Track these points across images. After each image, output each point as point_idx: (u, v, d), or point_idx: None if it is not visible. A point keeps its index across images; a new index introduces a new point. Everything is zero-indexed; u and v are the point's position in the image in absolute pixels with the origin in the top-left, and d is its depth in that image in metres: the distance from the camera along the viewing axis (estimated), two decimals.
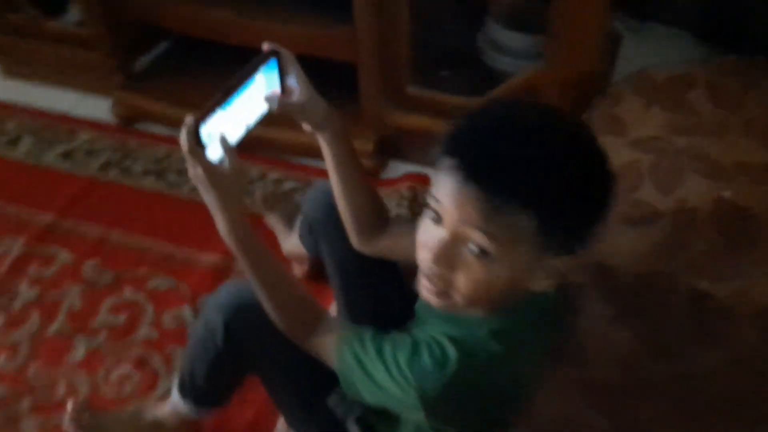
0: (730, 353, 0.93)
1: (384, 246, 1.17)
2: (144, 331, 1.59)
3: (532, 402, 0.93)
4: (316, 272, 1.57)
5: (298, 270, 1.63)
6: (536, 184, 0.78)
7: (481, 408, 0.94)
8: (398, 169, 1.90)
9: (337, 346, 0.98)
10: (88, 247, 1.77)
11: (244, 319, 1.08)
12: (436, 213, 0.84)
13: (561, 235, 0.81)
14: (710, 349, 0.94)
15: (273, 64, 1.02)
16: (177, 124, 0.94)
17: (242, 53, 1.04)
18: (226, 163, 0.97)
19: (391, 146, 1.90)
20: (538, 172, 0.78)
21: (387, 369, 0.90)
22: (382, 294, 1.28)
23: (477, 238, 0.80)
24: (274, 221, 1.68)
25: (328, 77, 1.86)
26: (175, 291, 1.67)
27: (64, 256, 1.76)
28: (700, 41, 2.07)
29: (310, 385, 1.13)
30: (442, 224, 0.84)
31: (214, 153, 0.96)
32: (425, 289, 0.89)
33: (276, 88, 1.04)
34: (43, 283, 1.69)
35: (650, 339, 0.97)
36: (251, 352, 1.10)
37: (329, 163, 1.11)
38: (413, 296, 1.27)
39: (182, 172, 1.94)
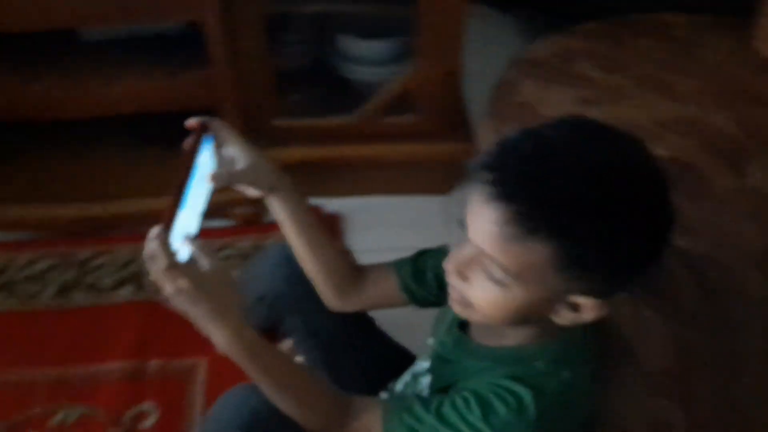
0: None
1: (367, 297, 1.09)
2: None
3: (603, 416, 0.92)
4: None
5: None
6: (563, 215, 0.72)
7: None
8: (248, 189, 1.76)
9: (384, 426, 0.90)
10: None
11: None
12: (465, 226, 0.80)
13: (589, 276, 0.76)
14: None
15: (207, 139, 0.92)
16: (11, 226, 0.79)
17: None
18: (204, 264, 0.85)
19: None
20: (567, 202, 0.72)
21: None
22: (369, 353, 1.21)
23: (491, 262, 0.76)
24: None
25: (180, 131, 1.74)
26: (89, 419, 1.40)
27: None
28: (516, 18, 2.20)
29: None
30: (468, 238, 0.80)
31: (182, 257, 0.85)
32: (451, 297, 0.86)
33: (215, 164, 0.94)
34: None
35: (675, 312, 1.02)
36: None
37: (288, 224, 1.02)
38: (399, 348, 1.24)
39: (31, 279, 1.64)
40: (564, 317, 0.80)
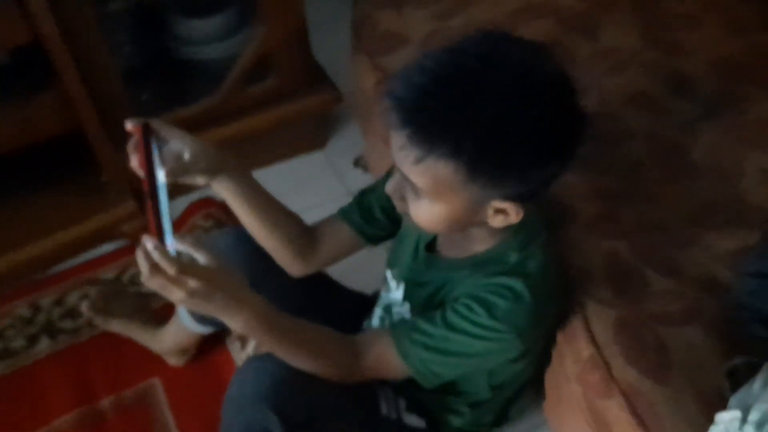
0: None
1: (325, 253, 1.12)
2: None
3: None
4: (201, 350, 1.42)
5: (179, 360, 1.42)
6: (453, 133, 0.77)
7: (557, 307, 1.01)
8: (174, 208, 1.71)
9: (397, 351, 0.95)
10: None
11: (291, 396, 0.93)
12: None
13: (500, 183, 0.82)
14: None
15: (150, 138, 0.91)
16: None
17: None
18: (201, 259, 0.86)
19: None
20: (456, 121, 0.77)
21: (470, 335, 0.91)
22: (336, 305, 1.24)
23: (409, 177, 0.83)
24: (121, 325, 1.40)
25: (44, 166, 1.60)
26: None
27: None
28: None
29: (364, 411, 1.05)
30: None
31: None
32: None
33: (162, 160, 0.93)
34: None
35: (587, 168, 1.15)
36: (311, 423, 0.97)
37: (242, 204, 1.02)
38: (355, 293, 1.28)
39: None
40: (496, 221, 0.87)
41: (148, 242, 0.80)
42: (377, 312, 1.17)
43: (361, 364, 0.97)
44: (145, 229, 0.85)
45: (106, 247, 1.65)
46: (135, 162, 0.90)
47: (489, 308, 0.90)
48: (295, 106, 1.72)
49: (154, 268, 0.80)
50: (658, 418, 0.88)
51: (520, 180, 0.82)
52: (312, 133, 1.85)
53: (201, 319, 1.26)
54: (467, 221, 0.89)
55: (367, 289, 1.30)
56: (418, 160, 0.80)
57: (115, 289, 1.53)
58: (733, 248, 1.02)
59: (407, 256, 1.08)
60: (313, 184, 1.78)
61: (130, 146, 0.89)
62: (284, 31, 1.61)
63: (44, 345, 1.48)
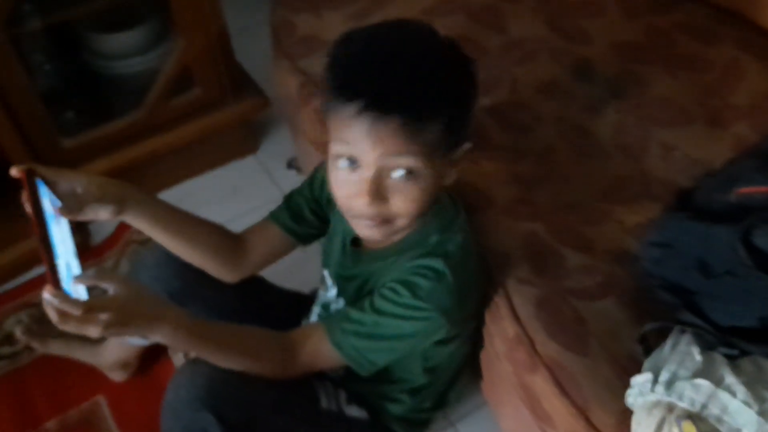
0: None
1: (257, 257, 1.13)
2: None
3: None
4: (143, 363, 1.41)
5: (121, 375, 1.40)
6: (442, 93, 0.84)
7: (478, 287, 1.04)
8: (105, 227, 1.69)
9: (331, 342, 0.97)
10: None
11: (227, 396, 0.93)
12: (351, 158, 0.86)
13: (461, 129, 0.90)
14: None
15: (38, 182, 0.90)
16: None
17: None
18: (109, 288, 0.87)
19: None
20: (436, 83, 0.83)
21: (398, 317, 0.94)
22: (273, 307, 1.24)
23: (403, 163, 0.85)
24: (60, 346, 1.37)
25: None
26: None
27: None
28: None
29: (304, 406, 1.06)
30: (359, 166, 0.86)
31: (82, 294, 0.85)
32: (366, 227, 0.92)
33: (56, 200, 0.92)
34: None
35: (498, 155, 1.19)
36: (249, 422, 0.97)
37: (154, 229, 1.03)
38: (292, 293, 1.29)
39: None
40: (449, 176, 0.93)
41: (46, 293, 0.79)
42: (315, 310, 1.18)
43: (297, 359, 0.98)
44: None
45: (38, 270, 1.61)
46: (29, 210, 0.88)
47: (413, 289, 0.93)
48: (222, 114, 1.72)
49: (61, 314, 0.80)
50: (580, 387, 0.92)
51: (467, 123, 0.90)
52: (243, 139, 1.84)
53: None
54: (439, 187, 0.92)
55: (305, 288, 1.31)
56: (416, 132, 0.83)
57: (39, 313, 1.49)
58: (641, 221, 1.07)
59: (336, 254, 1.09)
60: (247, 189, 1.78)
61: (23, 197, 0.87)
62: (205, 41, 1.60)
63: None
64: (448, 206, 0.99)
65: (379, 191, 0.86)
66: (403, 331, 0.95)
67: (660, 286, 0.94)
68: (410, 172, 0.86)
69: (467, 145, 0.92)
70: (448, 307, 0.94)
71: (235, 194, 1.77)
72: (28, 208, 0.88)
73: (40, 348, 1.38)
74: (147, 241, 1.60)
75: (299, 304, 1.26)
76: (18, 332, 1.36)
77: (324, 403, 1.09)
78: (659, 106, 1.22)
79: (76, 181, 0.93)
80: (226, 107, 1.72)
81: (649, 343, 0.91)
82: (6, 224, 1.57)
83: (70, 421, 1.37)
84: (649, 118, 1.21)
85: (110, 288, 0.86)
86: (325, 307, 1.14)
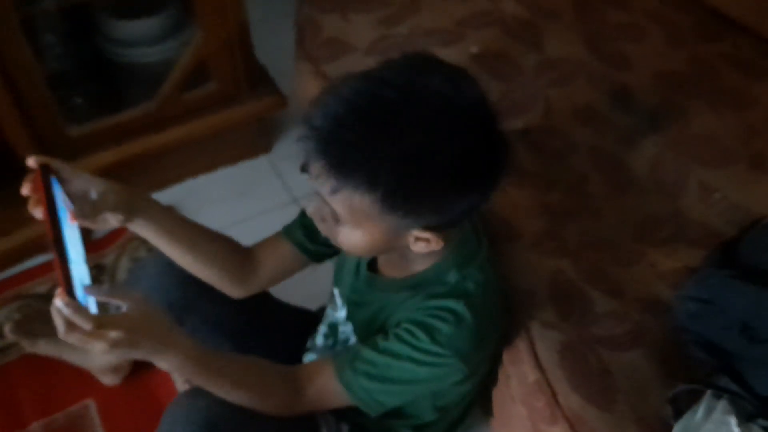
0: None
1: (267, 274, 1.07)
2: None
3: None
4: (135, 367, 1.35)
5: (113, 379, 1.34)
6: (366, 167, 0.74)
7: (498, 327, 0.98)
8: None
9: (340, 382, 0.91)
10: None
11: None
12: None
13: (417, 214, 0.79)
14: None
15: (53, 180, 0.84)
16: None
17: None
18: (122, 306, 0.81)
19: None
20: (377, 153, 0.74)
21: (414, 361, 0.88)
22: (276, 325, 1.18)
23: (329, 204, 0.80)
24: (50, 346, 1.30)
25: None
26: None
27: None
28: None
29: None
30: None
31: (91, 306, 0.79)
32: None
33: (69, 202, 0.86)
34: None
35: (533, 184, 1.12)
36: None
37: (162, 240, 0.97)
38: (299, 310, 1.22)
39: None
40: (418, 247, 0.84)
41: (58, 300, 0.74)
42: (322, 329, 1.12)
43: (303, 396, 0.92)
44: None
45: (35, 260, 1.56)
46: (33, 206, 0.82)
47: (431, 333, 0.87)
48: (236, 111, 1.65)
49: (69, 325, 0.74)
50: None
51: (438, 211, 0.79)
52: (256, 138, 1.78)
53: None
54: (389, 247, 0.86)
55: (313, 305, 1.25)
56: (334, 191, 0.76)
57: (40, 308, 1.44)
58: (675, 267, 1.01)
59: (349, 275, 1.03)
60: (257, 191, 1.72)
61: (26, 187, 0.82)
62: (224, 34, 1.53)
63: None
64: (470, 239, 0.93)
65: (318, 215, 0.85)
66: (417, 375, 0.89)
67: (695, 343, 0.88)
68: (335, 215, 0.81)
69: (429, 236, 0.81)
70: (467, 351, 0.88)
71: (244, 195, 1.71)
72: (25, 189, 0.82)
73: (29, 347, 1.32)
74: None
75: (305, 322, 1.20)
76: (6, 330, 1.30)
77: None
78: (700, 143, 1.16)
79: (92, 186, 0.88)
80: (241, 104, 1.65)
81: (680, 405, 0.85)
82: (4, 211, 1.52)
83: (56, 424, 1.31)
84: (688, 155, 1.14)
85: (124, 306, 0.81)
86: (333, 327, 1.09)
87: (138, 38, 1.58)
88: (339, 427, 1.06)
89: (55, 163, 0.85)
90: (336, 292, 1.08)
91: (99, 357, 1.28)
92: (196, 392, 0.90)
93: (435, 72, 0.77)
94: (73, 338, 0.75)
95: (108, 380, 1.34)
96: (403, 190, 0.76)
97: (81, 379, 1.34)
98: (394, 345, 0.89)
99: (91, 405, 1.34)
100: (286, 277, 1.10)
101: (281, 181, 1.74)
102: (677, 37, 1.32)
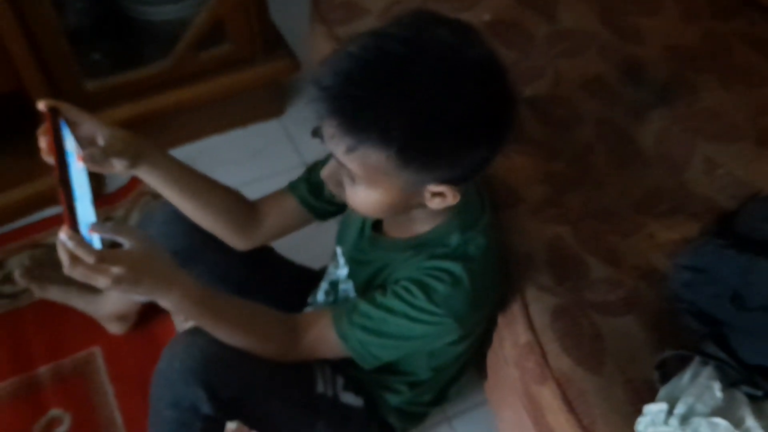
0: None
1: (270, 228, 1.09)
2: None
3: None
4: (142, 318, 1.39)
5: (119, 327, 1.38)
6: (379, 123, 0.75)
7: (496, 291, 0.99)
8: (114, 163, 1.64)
9: (336, 332, 0.93)
10: None
11: (221, 373, 0.91)
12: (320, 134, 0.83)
13: (431, 168, 0.80)
14: None
15: (62, 122, 0.86)
16: None
17: None
18: (125, 243, 0.83)
19: None
20: (389, 108, 0.74)
21: (409, 318, 0.90)
22: (279, 280, 1.20)
23: (344, 170, 0.81)
24: (59, 293, 1.34)
25: None
26: None
27: None
28: None
29: (298, 389, 1.03)
30: None
31: (97, 246, 0.81)
32: None
33: (77, 145, 0.89)
34: None
35: (538, 151, 1.13)
36: (240, 401, 0.95)
37: (170, 189, 0.99)
38: (301, 267, 1.25)
39: None
40: (434, 203, 0.85)
41: (62, 233, 0.76)
42: (323, 286, 1.14)
43: (300, 343, 0.95)
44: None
45: (48, 211, 1.59)
46: (46, 154, 0.85)
47: (428, 292, 0.89)
48: (250, 73, 1.66)
49: (74, 258, 0.76)
50: (589, 406, 0.88)
51: (452, 164, 0.80)
52: (269, 101, 1.79)
53: None
54: (405, 205, 0.87)
55: (314, 263, 1.28)
56: (349, 150, 0.77)
57: (51, 256, 1.47)
58: (675, 238, 1.01)
59: (353, 234, 1.05)
60: (268, 153, 1.73)
61: (41, 130, 0.85)
62: None
63: None
64: (474, 204, 0.94)
65: (331, 177, 0.85)
66: (412, 332, 0.91)
67: (687, 311, 0.89)
68: (352, 178, 0.82)
69: (445, 189, 0.82)
70: (463, 312, 0.90)
71: (255, 157, 1.72)
72: (42, 143, 0.85)
73: (38, 292, 1.36)
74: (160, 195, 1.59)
75: (307, 279, 1.22)
76: (17, 275, 1.34)
77: (320, 387, 1.05)
78: (708, 119, 1.16)
79: (99, 131, 0.90)
80: (255, 66, 1.67)
81: (668, 370, 0.86)
82: (20, 162, 1.55)
83: (63, 368, 1.36)
84: (695, 130, 1.14)
85: (127, 243, 0.83)
86: (333, 284, 1.11)
87: None
88: (335, 378, 1.08)
89: (65, 107, 0.87)
90: (338, 250, 1.09)
91: (110, 303, 1.32)
92: (195, 330, 0.93)
93: (442, 26, 0.78)
94: (76, 272, 0.78)
95: (114, 329, 1.38)
96: (416, 144, 0.76)
97: (88, 327, 1.38)
98: (390, 301, 0.90)
99: (97, 352, 1.38)
100: (289, 232, 1.11)
101: (292, 144, 1.76)
102: (692, 11, 1.31)
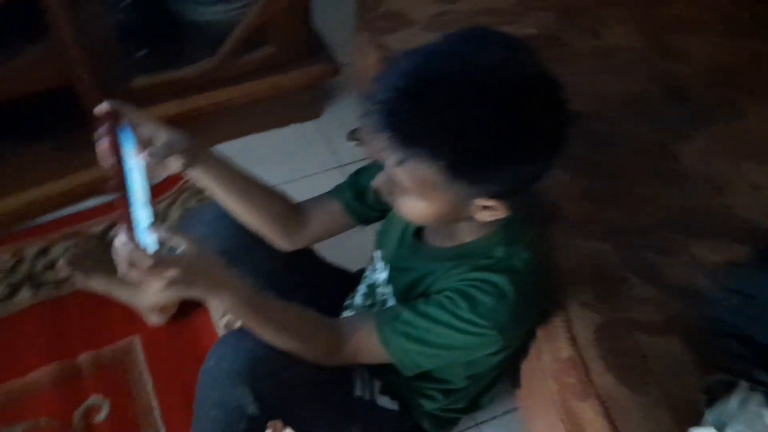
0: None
1: (314, 231, 1.07)
2: None
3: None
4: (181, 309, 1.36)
5: (159, 318, 1.35)
6: (435, 137, 0.73)
7: (539, 307, 0.96)
8: (171, 164, 1.61)
9: (379, 339, 0.91)
10: None
11: (267, 375, 0.88)
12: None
13: (483, 183, 0.78)
14: None
15: (123, 124, 0.85)
16: None
17: None
18: (181, 247, 0.81)
19: None
20: (440, 123, 0.73)
21: (452, 328, 0.87)
22: (319, 281, 1.18)
23: (395, 181, 0.80)
24: (101, 283, 1.31)
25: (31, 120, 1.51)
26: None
27: None
28: None
29: (338, 392, 1.01)
30: None
31: (151, 245, 0.79)
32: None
33: (135, 146, 0.86)
34: None
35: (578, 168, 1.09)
36: (284, 402, 0.92)
37: (219, 189, 0.98)
38: (339, 269, 1.22)
39: None
40: (483, 216, 0.83)
41: (119, 238, 0.75)
42: (361, 289, 1.12)
43: (343, 348, 0.92)
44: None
45: (93, 201, 1.57)
46: (103, 148, 0.82)
47: (472, 303, 0.86)
48: (290, 76, 1.64)
49: (130, 263, 0.75)
50: (632, 425, 0.84)
51: (502, 180, 0.78)
52: (306, 103, 1.76)
53: None
54: (454, 216, 0.84)
55: (352, 266, 1.25)
56: (400, 162, 0.76)
57: (95, 246, 1.46)
58: (716, 260, 0.98)
59: (395, 240, 1.02)
60: (304, 155, 1.70)
61: (98, 134, 0.82)
62: (286, 1, 1.52)
63: (26, 296, 1.41)
64: (521, 219, 0.90)
65: (385, 186, 0.84)
66: (454, 342, 0.88)
67: (731, 335, 0.85)
68: (401, 186, 0.80)
69: (495, 204, 0.80)
70: (506, 325, 0.87)
71: (290, 158, 1.69)
72: (100, 145, 0.83)
73: (81, 281, 1.33)
74: (202, 190, 1.57)
75: (344, 281, 1.20)
76: (61, 263, 1.32)
77: (358, 390, 1.03)
78: (752, 139, 1.12)
79: (159, 132, 0.88)
80: (296, 69, 1.64)
81: (713, 393, 0.83)
82: (68, 153, 1.54)
83: (103, 357, 1.33)
84: (740, 151, 1.10)
85: (181, 246, 0.81)
86: (371, 287, 1.08)
87: None
88: (372, 382, 1.06)
89: (126, 108, 0.85)
90: (378, 254, 1.07)
91: (152, 295, 1.29)
92: (242, 332, 0.91)
93: (494, 43, 0.76)
94: (132, 275, 0.76)
95: (154, 319, 1.36)
96: (467, 159, 0.75)
97: (128, 317, 1.36)
98: (435, 310, 0.88)
99: (136, 342, 1.36)
100: (332, 235, 1.09)
101: (327, 146, 1.73)
102: (736, 31, 1.26)
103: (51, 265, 1.45)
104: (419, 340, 0.89)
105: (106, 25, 1.40)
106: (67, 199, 1.56)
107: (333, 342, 0.92)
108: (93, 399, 1.28)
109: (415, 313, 0.89)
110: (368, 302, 1.10)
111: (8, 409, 1.27)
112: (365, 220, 1.07)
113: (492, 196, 0.79)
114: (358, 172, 1.06)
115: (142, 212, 0.81)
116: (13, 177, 1.51)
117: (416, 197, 0.80)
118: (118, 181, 0.79)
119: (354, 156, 1.66)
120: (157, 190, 1.60)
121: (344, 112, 1.77)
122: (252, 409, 0.89)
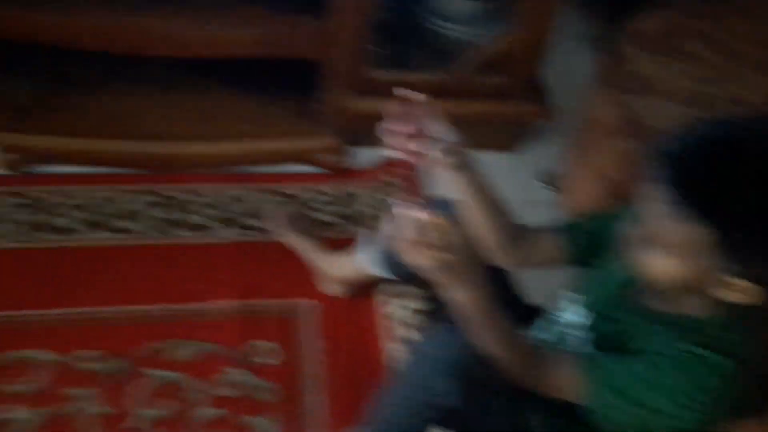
0: None
1: (529, 257, 1.09)
2: (199, 412, 1.27)
3: None
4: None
5: (339, 289, 1.42)
6: (724, 209, 0.75)
7: (754, 400, 0.93)
8: (364, 156, 1.72)
9: (589, 384, 0.91)
10: (69, 338, 1.32)
11: (480, 379, 0.93)
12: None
13: (746, 263, 0.78)
14: None
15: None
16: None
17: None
18: (456, 239, 0.86)
19: (351, 135, 1.69)
20: (731, 197, 0.74)
21: (672, 398, 0.86)
22: (505, 302, 1.19)
23: (658, 236, 0.80)
24: (301, 242, 1.43)
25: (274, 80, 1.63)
26: (206, 354, 1.34)
27: (46, 357, 1.30)
28: None
29: (520, 417, 1.03)
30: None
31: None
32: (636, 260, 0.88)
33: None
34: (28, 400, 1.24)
35: None
36: (481, 410, 0.97)
37: (473, 194, 1.03)
38: (524, 299, 1.25)
39: (133, 215, 1.53)
40: (723, 293, 0.82)
41: (418, 212, 0.81)
42: (545, 326, 1.12)
43: (544, 378, 0.94)
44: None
45: (298, 168, 1.68)
46: (395, 131, 0.90)
47: (693, 378, 0.85)
48: (508, 105, 1.69)
49: (421, 234, 0.81)
50: None
51: (766, 265, 0.78)
52: (506, 135, 1.81)
53: (387, 264, 1.27)
54: (695, 284, 0.83)
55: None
56: (671, 216, 0.77)
57: (296, 209, 1.57)
58: None
59: (604, 288, 1.02)
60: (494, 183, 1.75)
61: (388, 119, 0.89)
62: (530, 39, 1.57)
63: (231, 232, 1.52)
64: (763, 312, 0.88)
65: (641, 238, 0.84)
66: (661, 408, 0.87)
67: None
68: (658, 239, 0.81)
69: (747, 286, 0.79)
70: (717, 407, 0.86)
71: None
72: (390, 130, 0.90)
73: (278, 235, 1.45)
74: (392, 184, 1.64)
75: (525, 311, 1.22)
76: (264, 215, 1.43)
77: (533, 421, 1.04)
78: None
79: (447, 133, 0.95)
80: (512, 101, 1.69)
81: None
82: (290, 118, 1.66)
83: (284, 308, 1.41)
84: None
85: (457, 236, 0.86)
86: (564, 329, 1.08)
87: (456, 14, 1.65)
88: (545, 422, 1.05)
89: (431, 102, 0.93)
90: (569, 296, 1.08)
91: (348, 268, 1.38)
92: (454, 328, 0.93)
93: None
94: (413, 248, 0.82)
95: (332, 289, 1.43)
96: (743, 235, 0.75)
97: (312, 281, 1.44)
98: (652, 373, 0.87)
99: (316, 305, 1.42)
100: (542, 266, 1.11)
101: (514, 183, 1.75)
102: None
103: (254, 213, 1.56)
104: (629, 398, 0.88)
105: (371, 17, 1.50)
106: (279, 158, 1.68)
107: (534, 366, 0.94)
108: (263, 343, 1.36)
109: (629, 371, 0.89)
110: (552, 340, 1.10)
111: (184, 327, 1.37)
112: (579, 263, 1.08)
113: (745, 277, 0.79)
114: (592, 218, 1.09)
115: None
116: (239, 125, 1.64)
117: (669, 255, 0.81)
118: (410, 167, 0.87)
119: (538, 197, 1.68)
120: (359, 174, 1.69)
121: (537, 153, 1.81)
122: (454, 401, 0.93)
